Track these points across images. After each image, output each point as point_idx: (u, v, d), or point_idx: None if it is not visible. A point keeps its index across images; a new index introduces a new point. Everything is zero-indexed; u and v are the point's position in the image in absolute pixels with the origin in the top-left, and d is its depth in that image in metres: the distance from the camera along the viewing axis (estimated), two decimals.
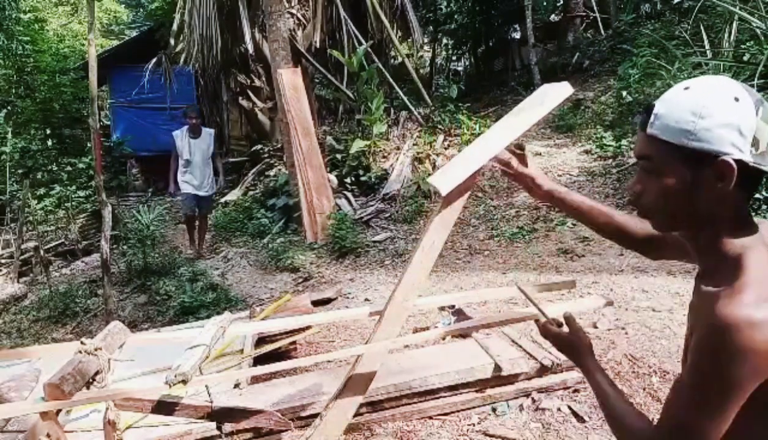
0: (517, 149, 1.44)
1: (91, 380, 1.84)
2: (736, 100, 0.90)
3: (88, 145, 11.38)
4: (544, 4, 14.63)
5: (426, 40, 15.36)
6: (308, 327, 3.53)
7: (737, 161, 0.89)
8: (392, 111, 10.45)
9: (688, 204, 0.96)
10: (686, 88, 0.94)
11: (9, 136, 11.36)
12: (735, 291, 0.88)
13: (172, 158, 7.57)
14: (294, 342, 3.68)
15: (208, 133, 7.61)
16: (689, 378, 0.93)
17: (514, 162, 1.44)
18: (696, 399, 0.91)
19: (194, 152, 7.39)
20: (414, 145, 8.95)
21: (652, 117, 0.96)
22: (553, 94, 1.50)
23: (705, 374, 0.89)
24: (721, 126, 0.89)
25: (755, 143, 0.89)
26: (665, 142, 0.94)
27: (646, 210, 1.04)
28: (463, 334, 3.60)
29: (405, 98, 10.17)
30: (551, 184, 1.44)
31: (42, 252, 8.45)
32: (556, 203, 1.44)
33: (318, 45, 10.54)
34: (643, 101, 8.02)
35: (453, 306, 3.83)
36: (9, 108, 11.91)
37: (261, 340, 3.67)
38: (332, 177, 8.16)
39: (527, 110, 1.48)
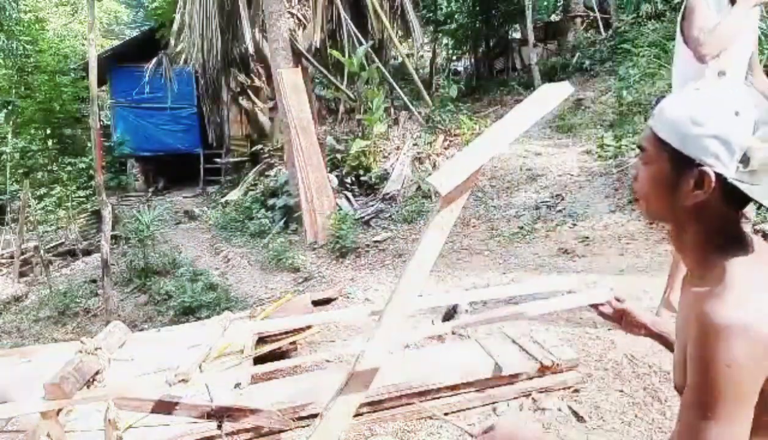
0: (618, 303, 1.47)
1: (91, 379, 1.84)
2: (737, 114, 0.89)
3: (89, 144, 11.40)
4: (545, 4, 14.61)
5: (426, 40, 15.36)
6: (308, 327, 3.53)
7: (719, 175, 0.90)
8: (392, 111, 10.46)
9: (668, 200, 0.99)
10: (696, 89, 0.95)
11: (9, 136, 11.37)
12: (719, 292, 0.89)
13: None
14: (294, 342, 3.68)
15: None
16: (694, 394, 0.91)
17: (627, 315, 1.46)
18: (708, 412, 0.87)
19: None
20: (414, 145, 8.96)
21: (656, 110, 0.98)
22: (552, 94, 1.50)
23: (708, 383, 0.87)
24: (710, 137, 0.90)
25: (745, 160, 0.89)
26: (659, 138, 0.96)
27: (637, 195, 1.07)
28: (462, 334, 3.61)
29: (405, 98, 10.18)
30: (660, 326, 1.44)
31: (42, 252, 8.46)
32: (650, 331, 1.43)
33: (318, 45, 10.55)
34: (643, 101, 8.02)
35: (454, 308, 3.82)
36: (9, 108, 11.92)
37: (261, 340, 3.67)
38: (332, 177, 8.16)
39: (527, 110, 1.48)
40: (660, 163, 0.97)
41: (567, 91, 1.51)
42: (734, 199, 0.93)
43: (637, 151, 1.05)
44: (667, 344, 1.41)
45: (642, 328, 1.43)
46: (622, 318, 1.46)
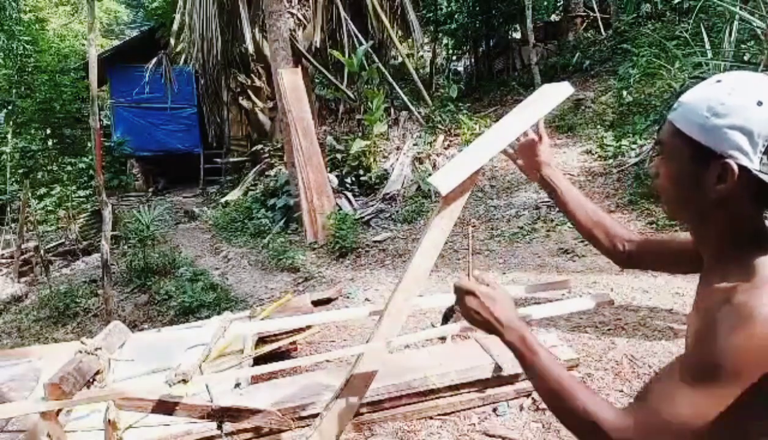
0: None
1: (91, 380, 1.84)
2: (759, 103, 0.86)
3: (89, 145, 11.40)
4: (545, 4, 14.60)
5: (426, 40, 15.36)
6: (308, 327, 3.53)
7: (743, 167, 0.86)
8: (392, 111, 10.46)
9: (689, 196, 0.95)
10: (718, 81, 0.92)
11: (9, 136, 11.37)
12: (755, 285, 0.86)
13: None
14: (294, 342, 3.68)
15: None
16: (693, 360, 0.88)
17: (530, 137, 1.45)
18: (688, 387, 0.86)
19: None
20: (414, 145, 8.96)
21: (676, 103, 0.95)
22: (553, 94, 1.50)
23: (706, 360, 0.85)
24: (732, 128, 0.86)
25: None
26: (679, 131, 0.93)
27: (658, 192, 1.04)
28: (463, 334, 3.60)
29: (405, 98, 10.18)
30: (550, 161, 1.43)
31: (42, 252, 8.45)
32: (545, 180, 1.43)
33: (318, 45, 10.56)
34: (643, 101, 8.02)
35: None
36: (9, 108, 11.91)
37: (261, 340, 3.67)
38: (332, 177, 8.16)
39: (527, 110, 1.47)
40: (681, 157, 0.94)
41: (567, 91, 1.50)
42: (761, 193, 0.88)
43: (657, 147, 1.03)
44: (552, 191, 1.41)
45: (538, 169, 1.42)
46: (531, 150, 1.43)
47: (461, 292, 1.12)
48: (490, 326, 1.08)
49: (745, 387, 0.85)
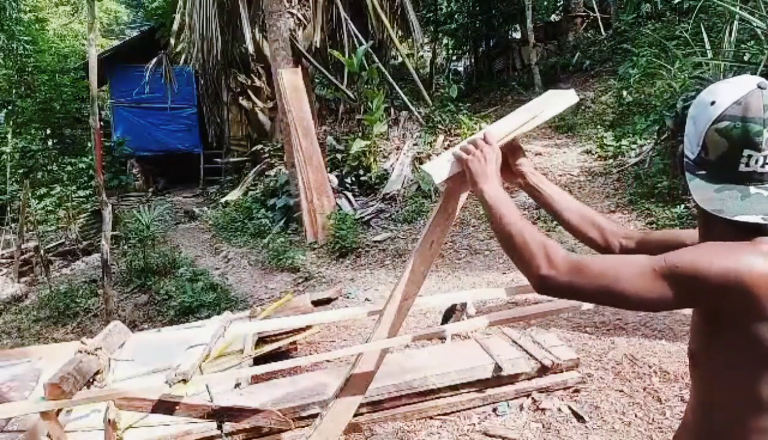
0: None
1: (91, 380, 1.84)
2: (712, 103, 0.95)
3: (89, 144, 11.39)
4: (545, 4, 14.61)
5: (426, 40, 15.36)
6: (308, 327, 3.53)
7: (684, 154, 1.01)
8: (392, 111, 10.45)
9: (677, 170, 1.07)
10: (727, 81, 1.01)
11: (9, 136, 11.36)
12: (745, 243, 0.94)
13: None
14: (294, 342, 3.68)
15: None
16: (659, 256, 0.95)
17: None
18: (656, 269, 0.93)
19: None
20: (414, 145, 8.95)
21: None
22: (557, 101, 1.48)
23: (673, 258, 0.93)
24: (690, 118, 0.99)
25: (704, 148, 0.96)
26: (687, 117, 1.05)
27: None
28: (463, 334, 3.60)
29: (405, 98, 10.17)
30: (531, 169, 1.44)
31: (42, 252, 8.45)
32: (531, 188, 1.42)
33: (318, 45, 10.55)
34: (643, 101, 8.02)
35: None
36: (9, 108, 11.90)
37: (261, 340, 3.67)
38: (332, 177, 8.16)
39: (528, 112, 1.46)
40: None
41: (572, 99, 1.49)
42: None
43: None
44: (539, 197, 1.41)
45: (521, 178, 1.43)
46: (505, 164, 1.43)
47: (479, 141, 1.28)
48: (480, 175, 1.23)
49: (688, 303, 0.95)
